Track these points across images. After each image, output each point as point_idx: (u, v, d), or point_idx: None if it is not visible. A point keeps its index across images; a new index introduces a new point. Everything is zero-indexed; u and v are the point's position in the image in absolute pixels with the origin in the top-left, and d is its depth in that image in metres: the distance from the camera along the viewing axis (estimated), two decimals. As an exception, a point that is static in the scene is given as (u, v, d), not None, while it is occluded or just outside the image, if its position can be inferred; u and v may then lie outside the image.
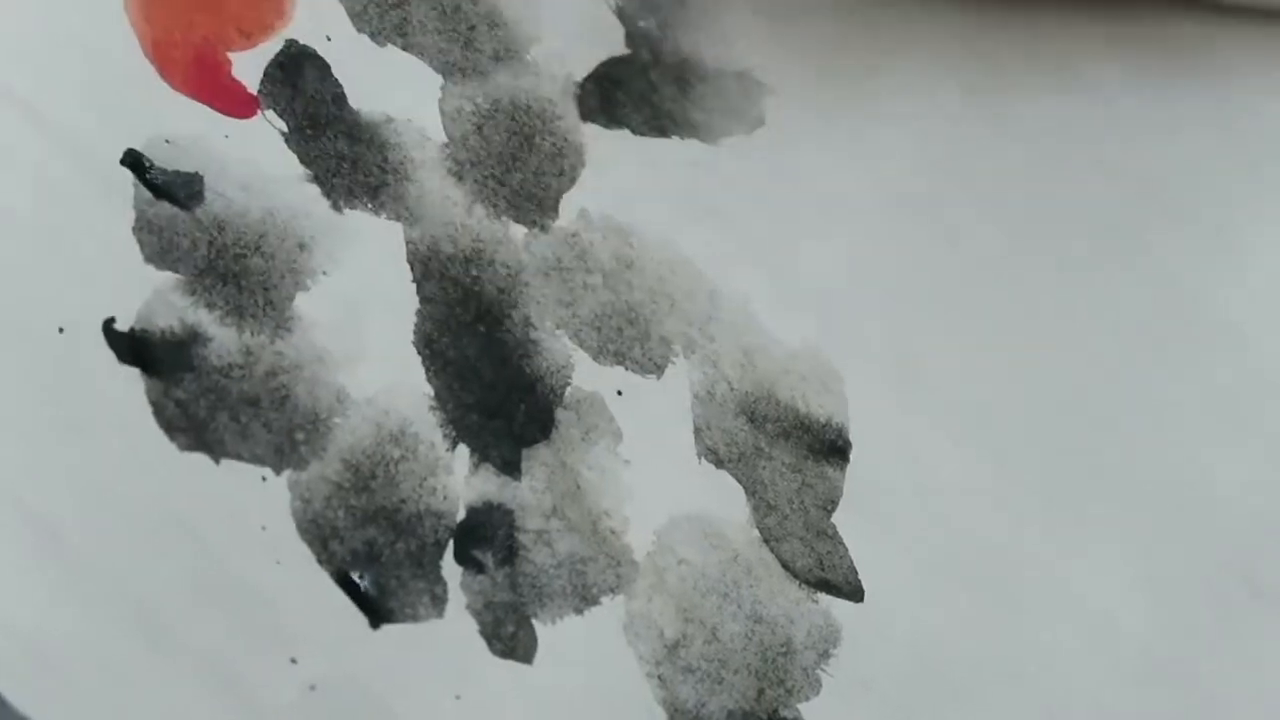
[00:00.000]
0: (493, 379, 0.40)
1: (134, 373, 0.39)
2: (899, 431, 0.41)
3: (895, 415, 0.41)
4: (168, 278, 0.39)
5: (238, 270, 0.40)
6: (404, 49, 0.42)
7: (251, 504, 0.39)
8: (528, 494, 0.40)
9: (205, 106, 0.40)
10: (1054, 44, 0.43)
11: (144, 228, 0.39)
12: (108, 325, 0.39)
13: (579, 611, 0.40)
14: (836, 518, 0.40)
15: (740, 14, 0.43)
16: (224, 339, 0.39)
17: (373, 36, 0.42)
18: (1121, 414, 0.41)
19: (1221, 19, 0.43)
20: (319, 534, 0.40)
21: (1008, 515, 0.40)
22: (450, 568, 0.40)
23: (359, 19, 0.42)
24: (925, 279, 0.42)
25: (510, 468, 0.40)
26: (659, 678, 0.40)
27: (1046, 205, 0.43)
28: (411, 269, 0.41)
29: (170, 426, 0.39)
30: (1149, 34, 0.43)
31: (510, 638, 0.40)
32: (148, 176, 0.39)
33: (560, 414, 0.40)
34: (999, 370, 0.42)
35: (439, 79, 0.42)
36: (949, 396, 0.41)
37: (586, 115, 0.42)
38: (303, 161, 0.41)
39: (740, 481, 0.40)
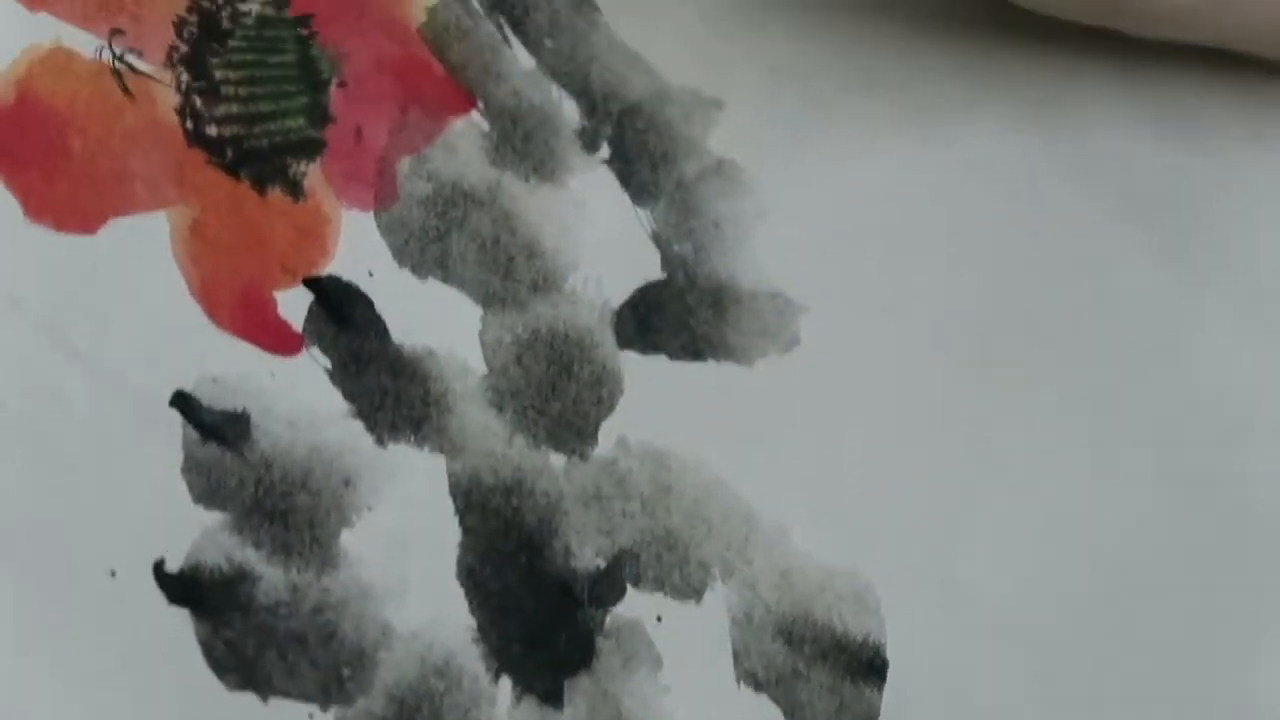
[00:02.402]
0: (534, 609, 0.41)
1: (184, 613, 0.39)
2: (937, 650, 0.42)
3: (933, 633, 0.42)
4: (216, 517, 0.40)
5: (284, 508, 0.40)
6: (444, 281, 0.42)
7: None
8: (572, 725, 0.40)
9: (251, 345, 0.40)
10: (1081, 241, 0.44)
11: (192, 468, 0.40)
12: (158, 567, 0.39)
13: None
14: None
15: (773, 234, 0.44)
16: (271, 577, 0.40)
17: (414, 270, 0.42)
18: (1165, 632, 0.42)
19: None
20: (369, 769, 0.40)
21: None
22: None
23: (401, 254, 0.42)
24: (960, 495, 0.43)
25: (552, 698, 0.41)
26: None
27: (1086, 412, 0.44)
28: (454, 501, 0.41)
29: (219, 666, 0.39)
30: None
31: None
32: (196, 417, 0.40)
33: (601, 642, 0.41)
34: (1039, 589, 0.43)
35: (479, 310, 0.42)
36: (987, 615, 0.42)
37: (624, 342, 0.43)
38: (347, 397, 0.41)
39: (779, 704, 0.41)
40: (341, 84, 0.44)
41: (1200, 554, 0.44)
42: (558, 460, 0.42)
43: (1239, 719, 0.41)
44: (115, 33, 0.42)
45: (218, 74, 0.43)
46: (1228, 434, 0.45)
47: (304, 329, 0.41)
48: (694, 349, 0.44)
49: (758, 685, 0.41)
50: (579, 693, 0.41)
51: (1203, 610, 0.44)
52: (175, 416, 0.40)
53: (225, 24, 0.43)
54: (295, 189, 0.42)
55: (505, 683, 0.40)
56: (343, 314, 0.41)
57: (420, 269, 0.43)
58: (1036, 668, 0.42)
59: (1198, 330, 0.46)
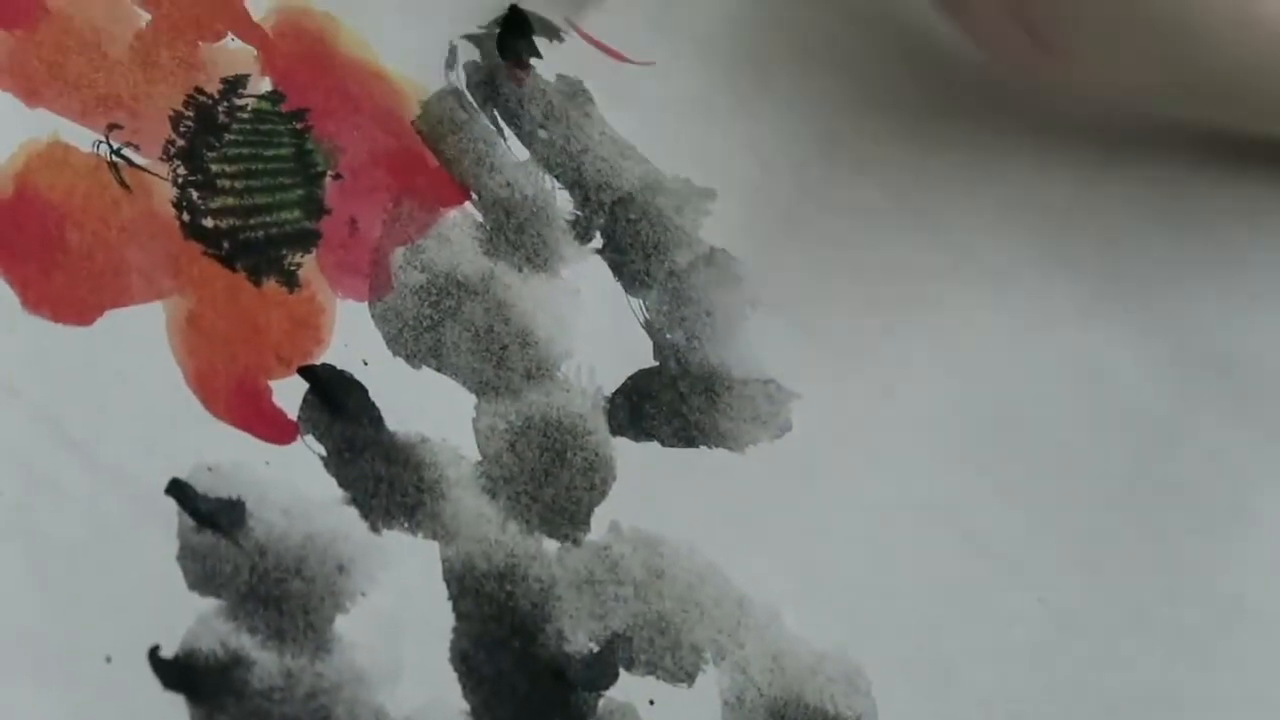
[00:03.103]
0: (527, 693, 0.41)
1: (179, 699, 0.39)
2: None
3: (922, 713, 0.42)
4: (211, 603, 0.40)
5: (279, 594, 0.40)
6: (438, 370, 0.43)
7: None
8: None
9: (246, 433, 0.41)
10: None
11: (188, 555, 0.40)
12: (153, 653, 0.39)
13: None
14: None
15: (764, 321, 0.45)
16: (265, 662, 0.40)
17: (408, 359, 0.43)
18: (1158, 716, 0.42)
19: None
20: None
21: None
22: None
23: (394, 343, 0.43)
24: (951, 580, 0.43)
25: (546, 782, 0.41)
26: None
27: (1076, 503, 0.44)
28: (448, 587, 0.41)
29: (214, 753, 0.40)
30: None
31: None
32: (192, 505, 0.40)
33: (594, 725, 0.41)
34: (1029, 674, 0.43)
35: (473, 398, 0.43)
36: (978, 699, 0.42)
37: (616, 429, 0.43)
38: (341, 484, 0.42)
39: (772, 786, 0.41)
40: (336, 176, 0.45)
41: (1194, 645, 0.45)
42: (550, 546, 0.42)
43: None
44: (112, 127, 0.43)
45: (214, 167, 0.44)
46: (1220, 526, 0.45)
47: (299, 417, 0.42)
48: (687, 436, 0.44)
49: (751, 768, 0.41)
50: (572, 776, 0.41)
51: (1196, 702, 0.44)
52: (171, 504, 0.40)
53: (221, 118, 0.44)
54: (291, 280, 0.43)
55: (499, 767, 0.41)
56: (337, 402, 0.42)
57: (414, 358, 0.43)
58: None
59: (1192, 427, 0.46)
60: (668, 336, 0.45)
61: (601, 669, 0.41)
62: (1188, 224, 0.49)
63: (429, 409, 0.42)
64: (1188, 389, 0.47)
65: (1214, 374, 0.47)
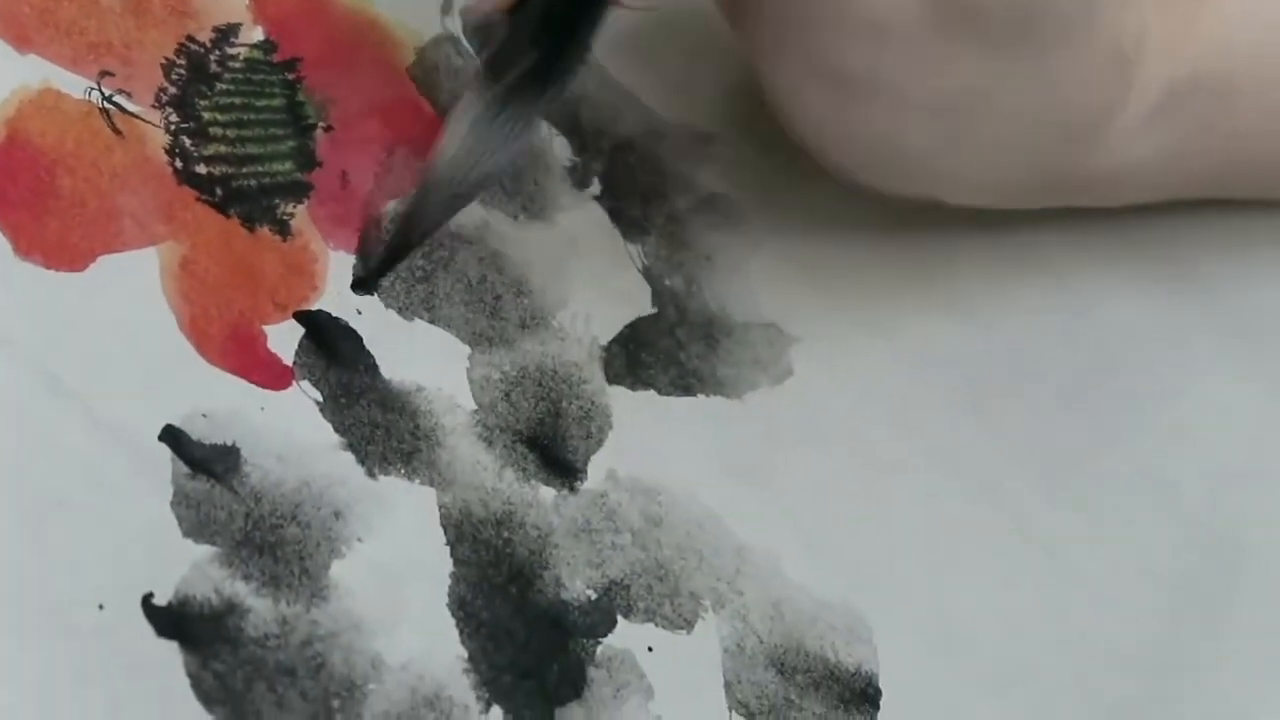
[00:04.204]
0: (525, 640, 0.41)
1: (173, 646, 0.39)
2: (929, 679, 0.42)
3: (925, 663, 0.42)
4: (205, 550, 0.40)
5: (274, 541, 0.40)
6: (431, 322, 0.42)
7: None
8: (563, 754, 0.40)
9: (241, 380, 0.41)
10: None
11: (182, 502, 0.40)
12: (147, 600, 0.39)
13: None
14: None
15: (765, 265, 0.44)
16: (261, 609, 0.40)
17: (400, 312, 0.42)
18: (1159, 667, 0.41)
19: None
20: (358, 803, 0.40)
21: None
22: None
23: (387, 295, 0.42)
24: (952, 526, 0.43)
25: (544, 728, 0.41)
26: None
27: (1079, 448, 0.44)
28: (445, 533, 0.41)
29: (208, 699, 0.39)
30: None
31: None
32: (186, 452, 0.40)
33: (592, 672, 0.41)
34: (1031, 618, 0.42)
35: (467, 349, 0.42)
36: (979, 644, 0.42)
37: (613, 378, 0.43)
38: (337, 430, 0.41)
39: (772, 733, 0.41)
40: (328, 128, 0.44)
41: (1197, 594, 0.44)
42: (547, 493, 0.42)
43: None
44: (104, 74, 0.43)
45: (206, 116, 0.43)
46: (1224, 479, 0.45)
47: (294, 363, 0.41)
48: (684, 384, 0.44)
49: (750, 714, 0.41)
50: (570, 723, 0.41)
51: (1199, 647, 0.44)
52: (165, 451, 0.40)
53: (213, 67, 0.44)
54: (283, 228, 0.43)
55: (496, 713, 0.41)
56: (333, 348, 0.42)
57: (407, 310, 0.43)
58: (1028, 698, 0.42)
59: (1197, 374, 0.46)
60: (666, 282, 0.45)
61: (599, 616, 0.41)
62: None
63: (424, 358, 0.42)
64: (1191, 335, 0.47)
65: (1215, 321, 0.47)
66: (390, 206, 0.44)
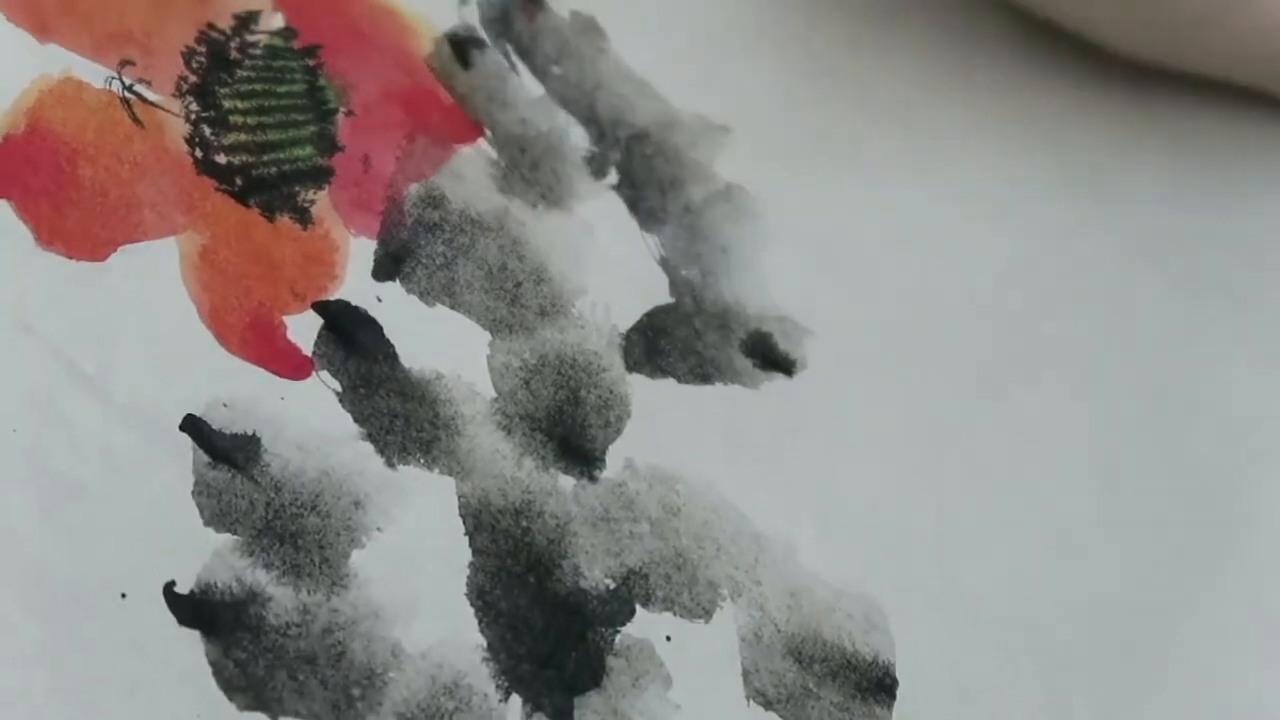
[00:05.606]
0: (544, 629, 0.41)
1: (194, 634, 0.39)
2: (946, 668, 0.42)
3: (942, 651, 0.42)
4: (226, 539, 0.40)
5: (295, 530, 0.40)
6: (452, 308, 0.43)
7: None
8: (582, 743, 0.41)
9: (261, 369, 0.41)
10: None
11: (203, 491, 0.40)
12: (169, 589, 0.39)
13: None
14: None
15: (780, 259, 0.44)
16: (281, 598, 0.40)
17: (421, 297, 0.43)
18: (1173, 646, 0.42)
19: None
20: (379, 790, 0.40)
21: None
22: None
23: (408, 280, 0.42)
24: (968, 514, 0.43)
25: (562, 716, 0.41)
26: None
27: (1095, 435, 0.44)
28: (464, 522, 0.41)
29: (230, 687, 0.40)
30: None
31: None
32: (207, 441, 0.40)
33: (611, 661, 0.41)
34: (1047, 606, 0.43)
35: (487, 335, 0.42)
36: (996, 633, 0.42)
37: (632, 366, 0.43)
38: (356, 420, 0.41)
39: (789, 721, 0.41)
40: (349, 113, 0.44)
41: (1205, 567, 0.44)
42: (566, 482, 0.42)
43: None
44: (125, 63, 0.43)
45: (226, 104, 0.43)
46: (1235, 455, 0.45)
47: (314, 353, 0.42)
48: (702, 372, 0.44)
49: (767, 703, 0.41)
50: (589, 711, 0.41)
51: (1207, 620, 0.44)
52: (186, 441, 0.40)
53: (234, 55, 0.44)
54: (304, 216, 0.43)
55: (515, 702, 0.41)
56: (352, 338, 0.42)
57: (428, 296, 0.43)
58: (1047, 685, 0.42)
59: (1207, 344, 0.46)
60: (683, 273, 0.45)
61: (618, 605, 0.41)
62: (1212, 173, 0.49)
63: (443, 346, 0.42)
64: (1200, 310, 0.47)
65: (1223, 295, 0.47)
66: (412, 190, 0.43)
